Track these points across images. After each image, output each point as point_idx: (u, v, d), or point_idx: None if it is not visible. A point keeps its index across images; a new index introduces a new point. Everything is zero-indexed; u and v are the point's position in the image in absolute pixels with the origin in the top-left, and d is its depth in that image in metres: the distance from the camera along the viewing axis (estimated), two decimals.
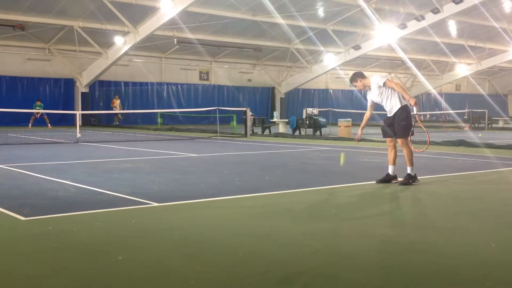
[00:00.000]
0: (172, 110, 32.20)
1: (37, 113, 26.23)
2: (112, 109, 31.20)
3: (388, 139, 8.16)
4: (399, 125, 7.91)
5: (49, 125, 26.90)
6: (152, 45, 31.74)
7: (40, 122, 27.16)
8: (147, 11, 25.58)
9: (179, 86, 36.11)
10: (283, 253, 4.29)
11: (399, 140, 8.00)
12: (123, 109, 31.61)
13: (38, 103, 27.03)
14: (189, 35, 29.63)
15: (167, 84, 35.64)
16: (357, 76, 8.29)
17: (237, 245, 4.53)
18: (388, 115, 8.07)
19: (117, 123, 31.02)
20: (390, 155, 8.08)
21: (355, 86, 8.33)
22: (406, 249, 4.46)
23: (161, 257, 4.13)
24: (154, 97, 34.89)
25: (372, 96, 8.17)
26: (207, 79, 37.76)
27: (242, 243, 4.60)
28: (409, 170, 7.90)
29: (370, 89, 8.18)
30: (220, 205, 6.40)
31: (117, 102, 31.38)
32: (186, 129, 25.69)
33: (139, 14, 25.87)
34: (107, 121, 31.74)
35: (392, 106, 7.96)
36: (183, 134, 22.85)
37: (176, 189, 7.45)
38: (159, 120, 29.50)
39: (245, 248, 4.43)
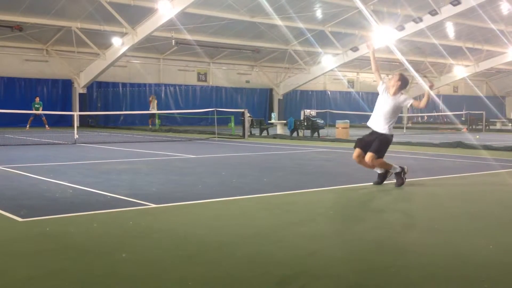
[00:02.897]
0: (170, 111, 32.16)
1: (38, 114, 26.07)
2: (149, 110, 29.33)
3: (357, 149, 7.82)
4: (378, 141, 7.66)
5: (46, 126, 26.82)
6: (150, 46, 31.70)
7: (38, 122, 27.08)
8: (145, 12, 25.56)
9: (177, 87, 36.08)
10: (281, 254, 4.29)
11: (367, 155, 7.62)
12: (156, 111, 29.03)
13: (37, 100, 26.95)
14: (187, 36, 29.61)
15: (165, 85, 35.59)
16: (403, 81, 7.70)
17: (235, 246, 4.53)
18: (372, 130, 7.79)
19: (153, 126, 28.72)
20: (366, 167, 7.93)
21: (390, 80, 7.82)
22: (404, 250, 4.47)
23: (159, 258, 4.13)
24: None
25: (379, 96, 7.78)
26: (205, 80, 37.75)
27: (240, 244, 4.59)
28: (393, 171, 7.80)
29: (388, 91, 7.74)
30: (218, 206, 6.39)
31: (154, 102, 29.52)
32: (184, 130, 25.68)
33: (137, 15, 25.85)
34: (106, 122, 31.67)
35: (382, 124, 7.68)
36: (181, 135, 22.84)
37: (174, 190, 7.45)
38: (157, 121, 29.47)
39: (243, 249, 4.43)
